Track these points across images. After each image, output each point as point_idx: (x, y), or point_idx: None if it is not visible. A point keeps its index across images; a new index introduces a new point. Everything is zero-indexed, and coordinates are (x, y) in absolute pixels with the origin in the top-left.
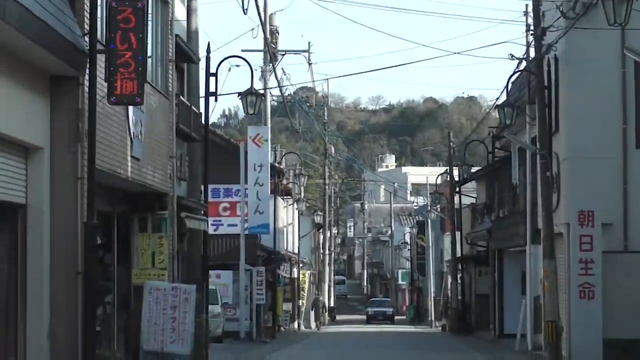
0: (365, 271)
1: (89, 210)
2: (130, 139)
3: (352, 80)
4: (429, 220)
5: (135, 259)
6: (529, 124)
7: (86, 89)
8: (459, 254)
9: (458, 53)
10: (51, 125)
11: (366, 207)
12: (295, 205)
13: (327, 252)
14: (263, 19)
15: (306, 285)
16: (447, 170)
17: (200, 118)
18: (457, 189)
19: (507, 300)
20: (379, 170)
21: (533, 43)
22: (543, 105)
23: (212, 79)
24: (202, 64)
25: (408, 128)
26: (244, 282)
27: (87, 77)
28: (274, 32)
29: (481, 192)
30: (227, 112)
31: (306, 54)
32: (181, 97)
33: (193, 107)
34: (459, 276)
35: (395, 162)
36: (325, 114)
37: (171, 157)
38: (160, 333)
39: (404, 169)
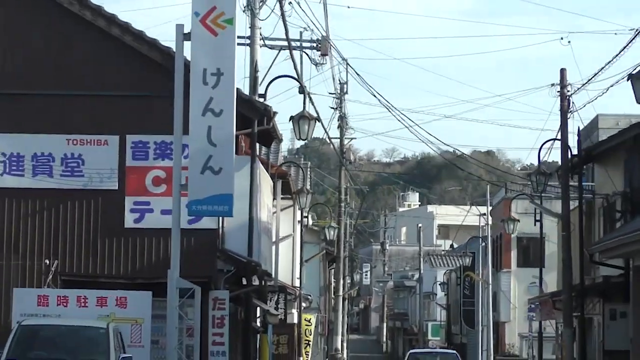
0: (385, 324)
1: None
2: None
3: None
4: (488, 244)
5: None
6: None
7: None
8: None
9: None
10: None
11: (387, 247)
12: (298, 210)
13: (340, 293)
14: None
15: (312, 337)
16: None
17: None
18: (574, 168)
19: None
20: (401, 210)
21: None
22: None
23: None
24: None
25: (425, 180)
26: (176, 318)
27: None
28: None
29: (615, 177)
30: None
31: None
32: None
33: None
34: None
35: (419, 200)
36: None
37: None
38: None
39: (430, 208)
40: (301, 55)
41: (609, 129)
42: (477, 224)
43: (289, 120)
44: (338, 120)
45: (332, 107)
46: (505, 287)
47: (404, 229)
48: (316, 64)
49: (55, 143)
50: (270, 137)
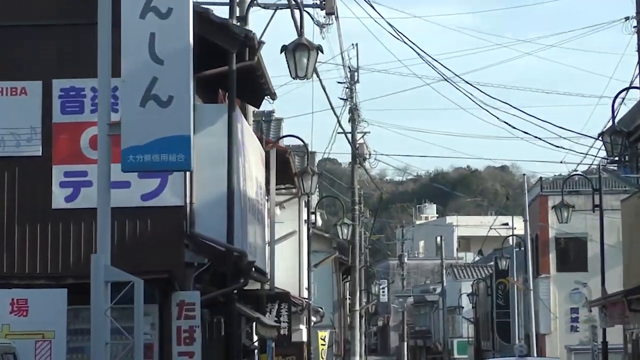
0: (405, 344)
1: None
2: None
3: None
4: (527, 241)
5: None
6: None
7: None
8: None
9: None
10: None
11: (405, 260)
12: (304, 207)
13: (356, 308)
14: None
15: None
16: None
17: None
18: None
19: None
20: (418, 222)
21: None
22: None
23: None
24: None
25: (439, 196)
26: (107, 327)
27: None
28: None
29: None
30: None
31: None
32: None
33: None
34: None
35: (437, 212)
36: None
37: None
38: None
39: (449, 219)
40: (301, 12)
41: None
42: (501, 234)
43: (281, 52)
44: (349, 113)
45: (342, 98)
46: (544, 295)
47: (421, 242)
48: (320, 26)
49: None
50: (257, 85)
